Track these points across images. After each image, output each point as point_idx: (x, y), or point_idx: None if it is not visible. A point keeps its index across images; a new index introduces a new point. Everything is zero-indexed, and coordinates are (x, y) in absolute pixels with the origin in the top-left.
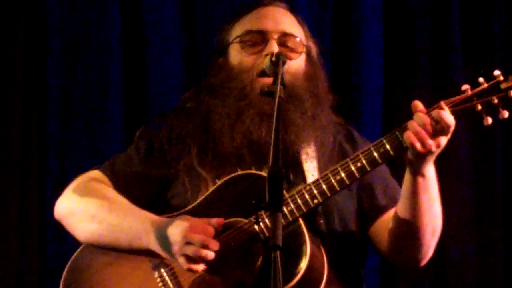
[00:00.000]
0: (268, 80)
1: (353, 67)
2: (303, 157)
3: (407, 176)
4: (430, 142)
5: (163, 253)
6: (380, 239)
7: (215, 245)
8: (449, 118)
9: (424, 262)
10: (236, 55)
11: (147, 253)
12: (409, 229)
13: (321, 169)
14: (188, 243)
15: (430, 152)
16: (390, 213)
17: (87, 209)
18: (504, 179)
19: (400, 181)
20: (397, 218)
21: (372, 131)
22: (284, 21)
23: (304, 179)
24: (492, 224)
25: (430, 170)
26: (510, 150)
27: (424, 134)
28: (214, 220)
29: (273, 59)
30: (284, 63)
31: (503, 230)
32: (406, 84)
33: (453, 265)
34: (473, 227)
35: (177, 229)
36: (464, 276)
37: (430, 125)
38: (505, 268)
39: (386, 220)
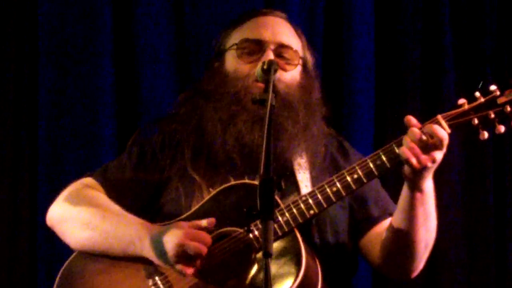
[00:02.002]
0: (262, 86)
1: (344, 74)
2: (296, 167)
3: (405, 190)
4: (425, 157)
5: (157, 261)
6: (371, 250)
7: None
8: (441, 132)
9: (415, 274)
10: (232, 62)
11: (141, 260)
12: (403, 242)
13: (313, 179)
14: (184, 251)
15: (426, 167)
16: (382, 224)
17: (80, 216)
18: (495, 183)
19: (392, 192)
20: (391, 230)
21: (363, 139)
22: (282, 32)
23: (297, 190)
24: (483, 229)
25: (427, 185)
26: (502, 155)
27: (418, 150)
28: (205, 221)
29: (265, 67)
30: (275, 71)
31: (494, 234)
32: (397, 91)
33: (444, 270)
34: (465, 232)
35: (172, 237)
36: (455, 281)
37: (424, 141)
38: (496, 272)
39: (379, 231)
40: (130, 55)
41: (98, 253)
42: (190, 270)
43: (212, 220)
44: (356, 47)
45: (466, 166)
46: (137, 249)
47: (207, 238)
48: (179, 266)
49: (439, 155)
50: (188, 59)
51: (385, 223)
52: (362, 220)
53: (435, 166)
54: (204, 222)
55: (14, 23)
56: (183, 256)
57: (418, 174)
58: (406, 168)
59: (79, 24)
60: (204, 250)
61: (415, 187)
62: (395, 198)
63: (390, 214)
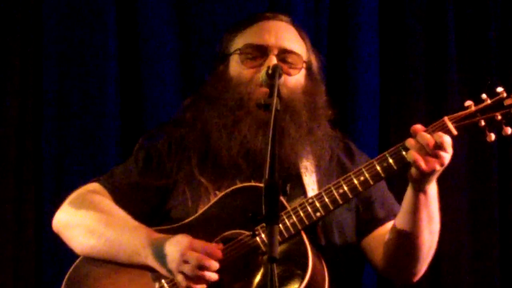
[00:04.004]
0: (266, 91)
1: (348, 75)
2: (302, 170)
3: (409, 193)
4: (433, 160)
5: (160, 269)
6: (374, 252)
7: (213, 264)
8: (442, 136)
9: (417, 278)
10: (236, 67)
11: (147, 267)
12: (406, 245)
13: (320, 182)
14: (186, 261)
15: (434, 170)
16: (387, 226)
17: (85, 223)
18: (500, 182)
19: (397, 193)
20: (394, 233)
21: (368, 140)
22: (286, 36)
23: (304, 193)
24: (488, 229)
25: (432, 189)
26: (506, 155)
27: (425, 152)
28: (214, 245)
29: (269, 71)
30: (280, 75)
31: (499, 235)
32: (402, 90)
33: (449, 271)
34: (469, 231)
35: (175, 247)
36: (460, 282)
37: (432, 143)
38: (500, 273)
39: (383, 233)
40: (134, 57)
41: (103, 260)
42: (193, 284)
43: (220, 245)
44: (360, 48)
45: (471, 166)
46: (141, 258)
47: (212, 249)
48: (181, 277)
49: (446, 157)
50: (192, 61)
51: (390, 224)
52: (368, 220)
53: (441, 169)
54: (212, 245)
55: (18, 25)
56: (185, 267)
57: (424, 177)
58: (412, 171)
59: (83, 26)
60: (206, 262)
61: (420, 190)
62: (400, 199)
63: (395, 216)
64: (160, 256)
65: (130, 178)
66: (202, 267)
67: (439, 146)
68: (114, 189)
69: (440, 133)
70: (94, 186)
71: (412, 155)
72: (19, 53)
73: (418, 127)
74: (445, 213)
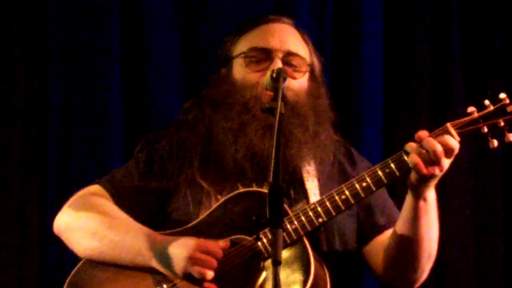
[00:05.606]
0: (271, 94)
1: (353, 77)
2: (305, 175)
3: (408, 199)
4: (434, 165)
5: (165, 271)
6: (375, 259)
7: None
8: (451, 141)
9: (417, 285)
10: (240, 71)
11: (149, 269)
12: (406, 252)
13: (321, 187)
14: (194, 263)
15: (433, 175)
16: (387, 233)
17: (87, 225)
18: (504, 187)
19: (398, 201)
20: (394, 240)
21: (372, 144)
22: (290, 39)
23: (306, 198)
24: (492, 233)
25: (431, 194)
26: (510, 160)
27: (427, 156)
28: (222, 242)
29: (274, 75)
30: (284, 79)
31: (503, 239)
32: (406, 95)
33: (453, 276)
34: (473, 235)
35: (182, 249)
36: (464, 285)
37: (438, 149)
38: (504, 277)
39: (383, 240)
40: (139, 60)
41: (105, 262)
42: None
43: (227, 243)
44: (364, 53)
45: (475, 171)
46: (145, 260)
47: (219, 250)
48: (188, 279)
49: (446, 163)
50: (196, 65)
51: (390, 231)
52: (368, 227)
53: (441, 174)
54: (220, 243)
55: (22, 28)
56: (193, 269)
57: (424, 181)
58: (412, 176)
59: (88, 30)
60: (214, 263)
61: (419, 196)
62: (401, 206)
63: (396, 223)
64: (165, 258)
65: (131, 180)
66: (210, 268)
67: (446, 150)
68: (115, 192)
69: (446, 136)
70: (95, 188)
71: (413, 158)
72: (23, 56)
73: (423, 134)
74: (449, 218)
